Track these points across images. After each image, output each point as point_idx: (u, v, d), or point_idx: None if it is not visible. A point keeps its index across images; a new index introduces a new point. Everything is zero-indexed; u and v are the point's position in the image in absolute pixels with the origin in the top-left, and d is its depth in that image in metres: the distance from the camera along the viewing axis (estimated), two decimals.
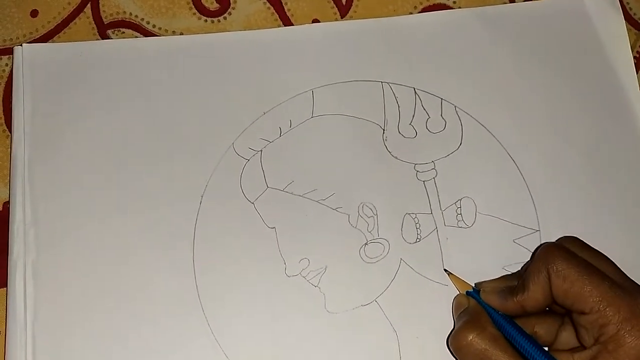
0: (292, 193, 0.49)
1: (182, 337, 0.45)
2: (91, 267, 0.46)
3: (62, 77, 0.50)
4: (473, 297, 0.44)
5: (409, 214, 0.48)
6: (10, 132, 0.49)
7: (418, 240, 0.48)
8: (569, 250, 0.41)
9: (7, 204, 0.48)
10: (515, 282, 0.43)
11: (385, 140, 0.50)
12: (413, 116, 0.51)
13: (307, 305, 0.46)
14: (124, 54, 0.51)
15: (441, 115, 0.51)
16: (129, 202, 0.48)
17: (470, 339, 0.41)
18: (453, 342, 0.42)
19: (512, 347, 0.40)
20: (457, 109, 0.51)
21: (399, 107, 0.51)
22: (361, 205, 0.48)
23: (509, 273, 0.46)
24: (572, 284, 0.39)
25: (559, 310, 0.43)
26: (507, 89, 0.52)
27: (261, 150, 0.49)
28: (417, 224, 0.48)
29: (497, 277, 0.45)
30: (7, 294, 0.45)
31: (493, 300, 0.43)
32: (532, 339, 0.41)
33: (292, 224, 0.48)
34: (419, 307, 0.46)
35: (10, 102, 0.50)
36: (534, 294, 0.41)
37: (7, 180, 0.49)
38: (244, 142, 0.50)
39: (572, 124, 0.51)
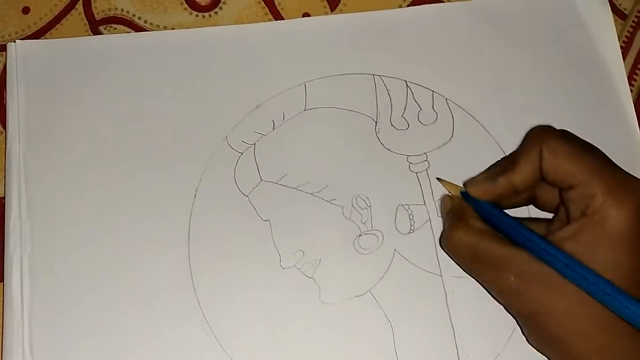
0: (286, 186, 0.49)
1: (177, 328, 0.45)
2: (86, 260, 0.46)
3: (56, 73, 0.50)
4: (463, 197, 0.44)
5: (402, 205, 0.49)
6: (5, 129, 0.49)
7: (412, 231, 0.48)
8: (563, 131, 0.41)
9: (2, 200, 0.48)
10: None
11: (378, 132, 0.51)
12: (405, 108, 0.51)
13: (302, 296, 0.46)
14: (117, 49, 0.51)
15: (433, 107, 0.51)
16: (123, 196, 0.48)
17: (458, 238, 0.41)
18: (443, 245, 0.43)
19: (500, 235, 0.41)
20: (448, 101, 0.52)
21: (390, 99, 0.51)
22: (355, 197, 0.49)
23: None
24: (563, 160, 0.39)
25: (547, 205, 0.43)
26: (497, 81, 0.52)
27: (254, 144, 0.50)
28: (411, 215, 0.49)
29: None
30: (3, 288, 0.46)
31: (481, 189, 0.42)
32: (519, 222, 0.41)
33: (286, 217, 0.48)
34: (413, 297, 0.47)
35: (4, 99, 0.50)
36: (524, 169, 0.40)
37: (2, 176, 0.49)
38: (238, 135, 0.50)
39: (562, 114, 0.52)
